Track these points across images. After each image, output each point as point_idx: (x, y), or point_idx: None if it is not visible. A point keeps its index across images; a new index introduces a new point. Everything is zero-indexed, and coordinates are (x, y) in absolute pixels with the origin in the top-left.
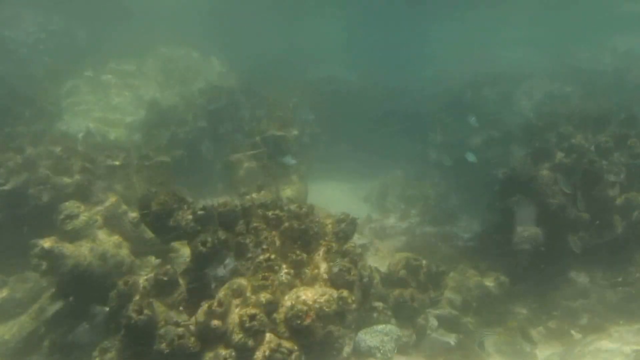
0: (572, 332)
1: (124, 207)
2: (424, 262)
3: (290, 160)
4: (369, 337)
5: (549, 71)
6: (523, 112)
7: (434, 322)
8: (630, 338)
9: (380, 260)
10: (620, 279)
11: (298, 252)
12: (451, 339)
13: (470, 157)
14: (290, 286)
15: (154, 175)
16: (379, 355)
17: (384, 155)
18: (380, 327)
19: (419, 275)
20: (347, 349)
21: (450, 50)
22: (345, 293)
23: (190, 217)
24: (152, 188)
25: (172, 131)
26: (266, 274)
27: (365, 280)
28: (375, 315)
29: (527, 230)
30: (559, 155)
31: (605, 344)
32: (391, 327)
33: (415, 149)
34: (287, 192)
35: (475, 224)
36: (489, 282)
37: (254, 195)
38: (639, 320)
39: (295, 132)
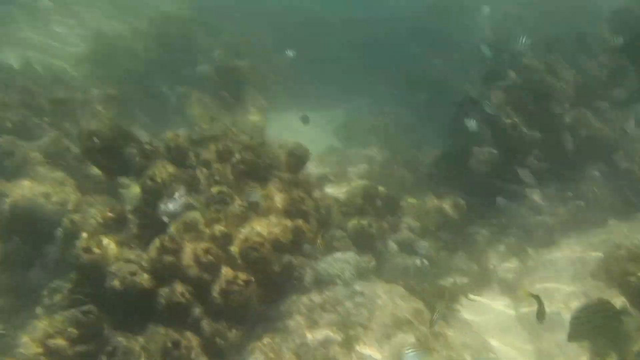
0: (528, 248)
1: (67, 143)
2: (381, 189)
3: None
4: (329, 266)
5: None
6: (481, 33)
7: (393, 247)
8: (577, 248)
9: (340, 189)
10: (570, 194)
11: (251, 183)
12: (416, 261)
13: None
14: (245, 218)
15: (102, 109)
16: (339, 282)
17: (350, 86)
18: (339, 254)
19: (376, 203)
20: (308, 278)
21: None
22: (300, 222)
23: (137, 152)
24: (98, 123)
25: (121, 63)
26: (219, 206)
27: (323, 209)
28: (334, 243)
29: (482, 151)
30: (512, 74)
31: (556, 255)
32: (351, 254)
33: (381, 78)
34: (245, 123)
35: (436, 150)
36: (447, 206)
37: (204, 127)
38: (587, 232)
39: (250, 63)
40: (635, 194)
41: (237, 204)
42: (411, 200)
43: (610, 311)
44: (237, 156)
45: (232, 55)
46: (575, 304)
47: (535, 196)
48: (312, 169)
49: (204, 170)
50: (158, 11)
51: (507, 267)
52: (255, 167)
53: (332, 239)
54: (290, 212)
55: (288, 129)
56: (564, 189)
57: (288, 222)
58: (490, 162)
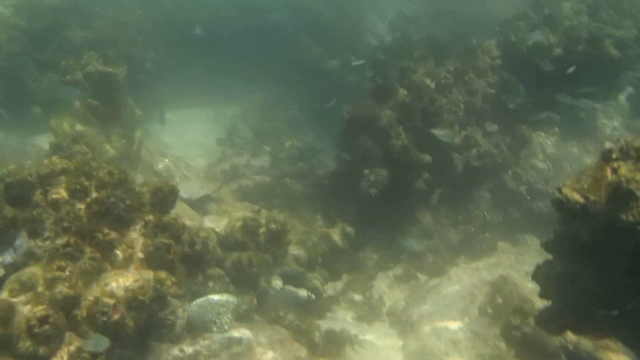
0: (418, 274)
1: None
2: (262, 221)
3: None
4: (203, 310)
5: None
6: (377, 34)
7: (277, 283)
8: (466, 278)
9: (222, 214)
10: (460, 218)
11: (106, 230)
12: (301, 292)
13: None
14: (98, 272)
15: None
16: (215, 329)
17: (242, 77)
18: (216, 297)
19: (258, 237)
20: (180, 324)
21: None
22: (163, 275)
23: None
24: None
25: None
26: (63, 263)
27: (198, 247)
28: (211, 284)
29: (373, 172)
30: (402, 92)
31: (445, 286)
32: (228, 297)
33: (274, 69)
34: (119, 137)
35: (328, 160)
36: (335, 234)
37: (55, 159)
38: (476, 258)
39: (123, 68)
40: (521, 215)
41: (88, 257)
42: (299, 225)
43: None
44: (93, 195)
45: (100, 59)
46: (464, 344)
47: (426, 219)
48: (196, 189)
49: (52, 212)
50: None
51: (398, 295)
52: (114, 209)
53: (208, 279)
54: (154, 261)
55: (176, 130)
56: (455, 212)
57: (149, 275)
58: (380, 184)
